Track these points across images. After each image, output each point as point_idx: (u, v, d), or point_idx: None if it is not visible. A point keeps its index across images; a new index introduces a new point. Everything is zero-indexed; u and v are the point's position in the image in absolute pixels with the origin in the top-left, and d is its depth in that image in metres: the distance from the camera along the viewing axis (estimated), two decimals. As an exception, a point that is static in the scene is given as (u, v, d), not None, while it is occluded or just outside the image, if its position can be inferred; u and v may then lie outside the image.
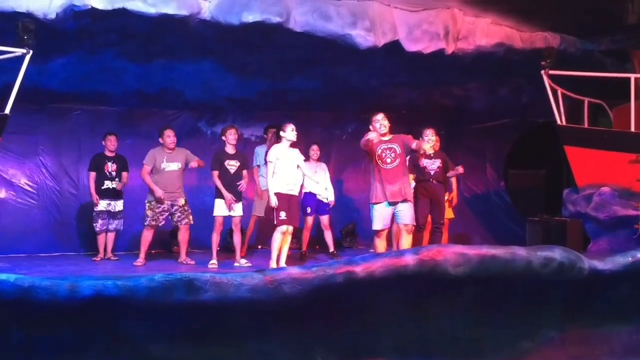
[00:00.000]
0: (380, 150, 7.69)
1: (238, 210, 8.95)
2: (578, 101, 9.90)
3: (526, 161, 12.35)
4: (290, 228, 8.19)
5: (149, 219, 8.97)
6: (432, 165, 8.91)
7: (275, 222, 8.11)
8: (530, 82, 10.53)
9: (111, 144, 9.63)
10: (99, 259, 9.49)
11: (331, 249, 9.95)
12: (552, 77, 9.42)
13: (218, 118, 11.87)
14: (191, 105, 11.38)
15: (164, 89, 10.61)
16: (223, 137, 9.05)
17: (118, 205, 9.63)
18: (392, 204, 7.65)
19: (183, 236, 9.14)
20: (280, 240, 8.13)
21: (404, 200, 7.68)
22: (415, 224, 7.92)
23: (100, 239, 9.58)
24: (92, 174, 9.55)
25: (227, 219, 9.00)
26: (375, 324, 6.07)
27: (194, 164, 9.25)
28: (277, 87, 10.86)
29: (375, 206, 7.72)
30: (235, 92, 10.95)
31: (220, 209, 8.89)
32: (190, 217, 9.11)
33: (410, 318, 6.14)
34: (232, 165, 8.91)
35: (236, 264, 8.83)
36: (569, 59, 9.98)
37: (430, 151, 8.51)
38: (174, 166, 9.07)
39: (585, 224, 9.35)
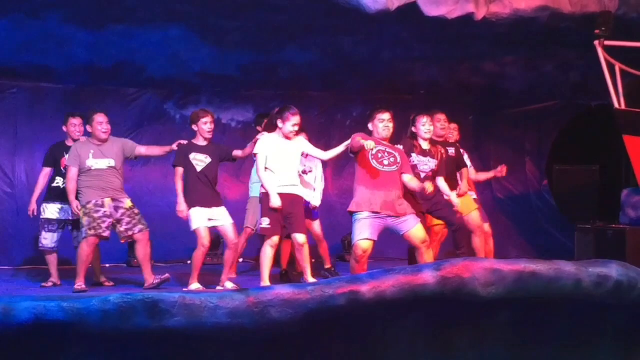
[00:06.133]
0: (375, 150, 7.62)
1: (224, 217, 8.45)
2: (641, 79, 9.91)
3: (575, 154, 12.38)
4: (301, 238, 8.08)
5: (85, 227, 8.20)
6: (425, 164, 8.32)
7: (258, 231, 8.08)
8: (580, 55, 10.53)
9: (76, 129, 8.76)
10: (50, 284, 8.66)
11: (327, 265, 9.61)
12: (608, 49, 9.42)
13: (189, 98, 11.88)
14: (156, 82, 11.38)
15: (121, 63, 10.61)
16: (194, 126, 8.49)
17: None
18: (382, 217, 7.58)
19: (143, 250, 8.40)
20: (272, 255, 8.08)
21: (406, 216, 7.61)
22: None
23: (51, 259, 8.75)
24: (46, 171, 8.83)
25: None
26: (385, 358, 6.07)
27: (141, 150, 8.64)
28: (264, 61, 10.87)
29: (357, 215, 7.61)
30: (211, 67, 10.95)
31: (196, 219, 8.29)
32: (144, 221, 8.44)
33: (429, 351, 6.14)
34: (199, 161, 8.37)
35: (219, 287, 8.35)
36: (629, 27, 9.97)
37: (430, 188, 7.92)
38: (103, 164, 8.36)
39: (648, 233, 9.37)
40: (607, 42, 9.41)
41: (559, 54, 11.16)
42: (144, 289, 8.19)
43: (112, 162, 8.41)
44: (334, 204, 10.53)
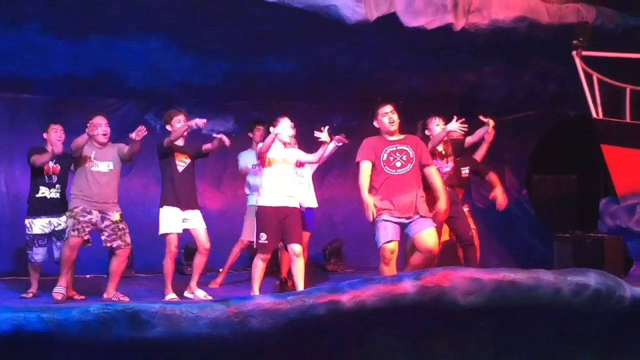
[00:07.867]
0: (385, 155, 7.50)
1: (197, 221, 8.44)
2: (618, 89, 9.96)
3: (554, 164, 12.43)
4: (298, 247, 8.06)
5: (69, 229, 8.06)
6: (445, 167, 8.52)
7: (254, 245, 8.09)
8: (559, 65, 10.59)
9: (57, 135, 8.57)
10: (30, 295, 8.50)
11: (283, 275, 9.50)
12: (585, 60, 9.48)
13: (170, 109, 11.81)
14: (136, 92, 11.36)
15: (102, 73, 10.58)
16: (168, 127, 8.52)
17: (62, 222, 8.48)
18: (402, 221, 7.43)
19: (116, 264, 8.23)
20: (263, 268, 8.07)
21: (420, 217, 7.42)
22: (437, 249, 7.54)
23: (36, 269, 8.64)
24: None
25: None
26: (366, 367, 6.07)
27: (124, 149, 8.31)
28: (245, 71, 10.87)
29: (378, 218, 7.43)
30: (191, 77, 10.95)
31: (169, 223, 8.28)
32: (127, 239, 8.25)
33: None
34: (180, 162, 8.39)
35: (189, 294, 8.40)
36: (607, 37, 10.05)
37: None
38: (104, 167, 8.24)
39: (627, 241, 9.40)
40: (585, 53, 9.48)
41: (537, 64, 11.22)
42: (102, 300, 8.03)
43: (111, 165, 8.31)
44: (315, 213, 10.49)
